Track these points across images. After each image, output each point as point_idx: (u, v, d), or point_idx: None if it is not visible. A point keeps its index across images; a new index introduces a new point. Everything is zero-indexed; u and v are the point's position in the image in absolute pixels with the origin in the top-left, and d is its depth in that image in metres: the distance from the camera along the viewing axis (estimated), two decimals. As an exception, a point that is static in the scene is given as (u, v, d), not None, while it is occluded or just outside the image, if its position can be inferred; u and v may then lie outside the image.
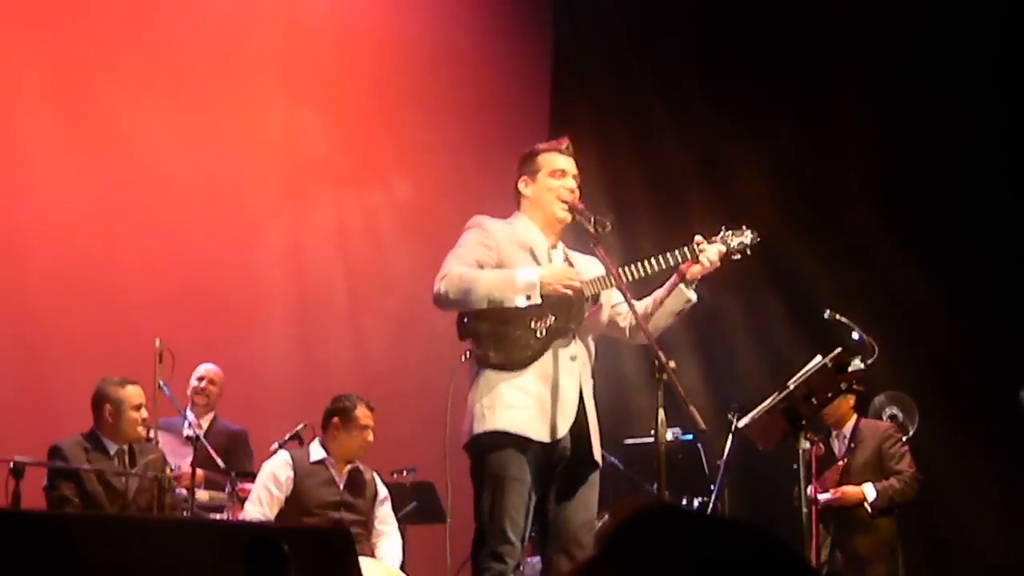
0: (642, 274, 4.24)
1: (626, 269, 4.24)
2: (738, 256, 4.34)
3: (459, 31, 9.02)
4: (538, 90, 9.45)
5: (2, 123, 7.18)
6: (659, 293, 4.35)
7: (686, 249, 4.26)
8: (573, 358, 4.21)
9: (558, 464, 4.19)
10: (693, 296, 4.30)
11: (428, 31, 8.89)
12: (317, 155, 8.44)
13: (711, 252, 4.25)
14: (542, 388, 4.15)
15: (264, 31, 8.25)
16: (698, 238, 4.28)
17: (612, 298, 4.38)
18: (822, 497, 6.56)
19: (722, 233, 4.33)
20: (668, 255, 4.25)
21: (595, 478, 4.29)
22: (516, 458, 4.10)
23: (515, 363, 4.16)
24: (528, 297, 4.11)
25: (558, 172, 4.36)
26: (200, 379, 6.90)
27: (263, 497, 5.82)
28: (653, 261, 4.23)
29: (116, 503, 5.38)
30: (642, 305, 4.34)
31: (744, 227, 4.37)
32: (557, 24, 9.60)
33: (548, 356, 4.17)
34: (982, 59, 7.99)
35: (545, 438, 4.12)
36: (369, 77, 8.70)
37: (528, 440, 4.11)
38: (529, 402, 4.12)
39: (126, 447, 5.52)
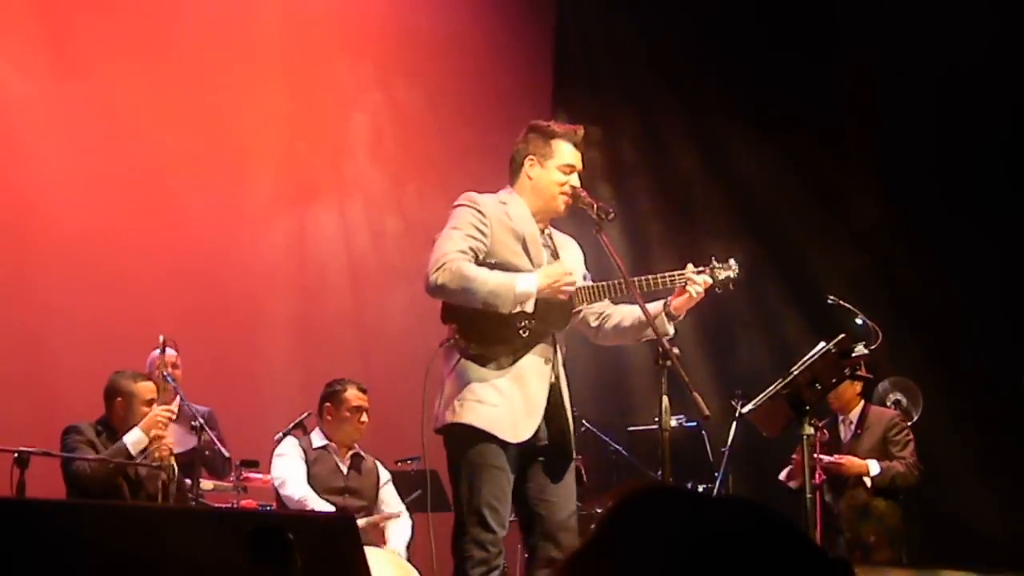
0: (626, 293, 4.22)
1: (611, 284, 4.25)
2: (720, 290, 4.32)
3: (460, 15, 8.99)
4: (540, 76, 9.43)
5: (3, 111, 7.15)
6: (642, 315, 4.32)
7: (677, 276, 4.24)
8: (548, 361, 4.21)
9: (535, 456, 4.20)
10: (671, 331, 4.27)
11: (429, 15, 8.86)
12: (319, 142, 8.43)
13: (699, 285, 4.22)
14: (514, 389, 4.13)
15: (265, 15, 8.22)
16: (689, 268, 4.27)
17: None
18: (824, 459, 6.58)
19: (712, 265, 4.31)
20: (657, 278, 4.23)
21: (572, 468, 4.28)
22: (494, 448, 4.10)
23: (492, 359, 4.15)
24: (521, 305, 4.11)
25: (568, 167, 4.32)
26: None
27: (300, 469, 5.84)
28: (641, 281, 4.20)
29: (135, 490, 5.50)
30: (627, 312, 4.34)
31: (731, 260, 4.35)
32: (560, 9, 9.58)
33: (526, 358, 4.17)
34: (983, 46, 7.97)
35: (510, 438, 4.11)
36: (371, 62, 8.68)
37: (495, 438, 4.11)
38: (499, 400, 4.11)
39: None
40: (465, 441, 4.12)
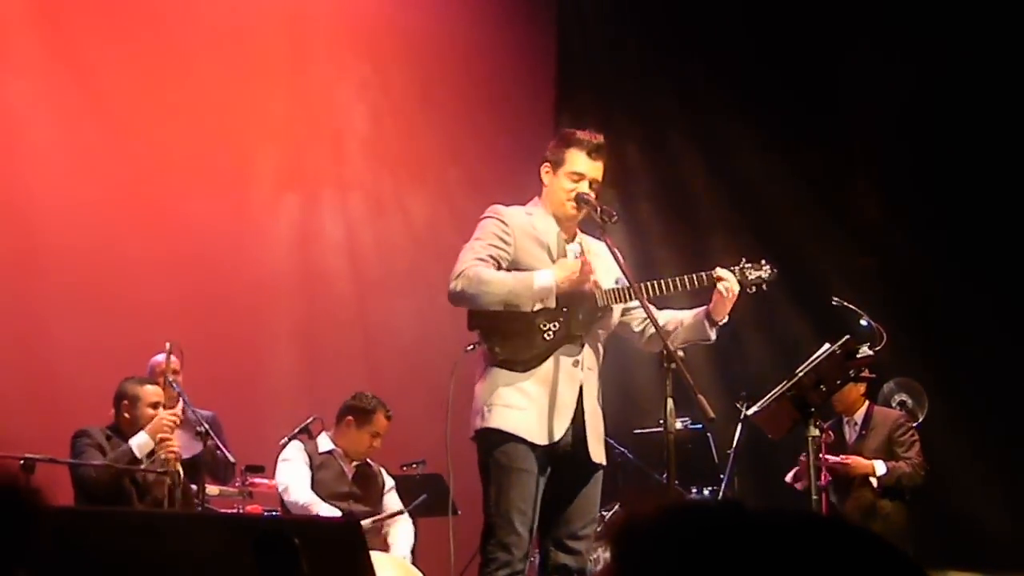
0: (657, 293, 4.23)
1: (643, 285, 4.23)
2: (753, 290, 4.34)
3: (463, 18, 8.98)
4: (543, 79, 9.41)
5: (2, 111, 7.15)
6: (685, 318, 4.34)
7: (704, 276, 4.25)
8: (576, 363, 4.22)
9: (559, 461, 4.21)
10: (713, 336, 4.33)
11: (432, 18, 8.85)
12: (320, 143, 8.42)
13: (731, 283, 4.23)
14: (541, 391, 4.16)
15: (267, 18, 8.22)
16: (719, 271, 4.28)
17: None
18: (830, 459, 6.58)
19: (741, 265, 4.33)
20: (685, 278, 4.25)
21: (598, 476, 4.30)
22: (522, 450, 4.13)
23: (519, 363, 4.18)
24: (542, 301, 4.12)
25: (576, 175, 4.32)
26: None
27: (304, 475, 5.84)
28: (669, 282, 4.22)
29: (141, 495, 5.49)
30: (669, 316, 4.35)
31: (763, 261, 4.37)
32: (561, 13, 9.57)
33: (552, 360, 4.19)
34: (984, 45, 7.96)
35: (539, 440, 4.14)
36: (374, 65, 8.67)
37: (525, 440, 4.14)
38: (527, 403, 4.14)
39: None
40: (494, 445, 4.16)
